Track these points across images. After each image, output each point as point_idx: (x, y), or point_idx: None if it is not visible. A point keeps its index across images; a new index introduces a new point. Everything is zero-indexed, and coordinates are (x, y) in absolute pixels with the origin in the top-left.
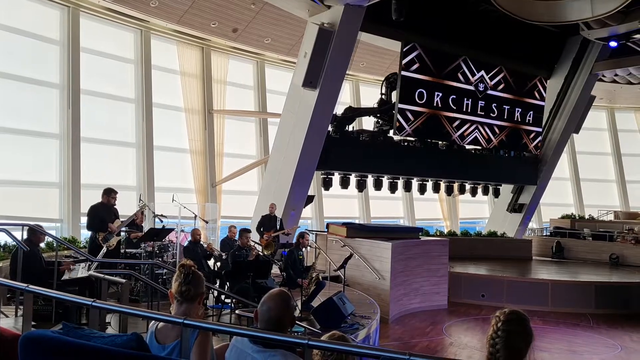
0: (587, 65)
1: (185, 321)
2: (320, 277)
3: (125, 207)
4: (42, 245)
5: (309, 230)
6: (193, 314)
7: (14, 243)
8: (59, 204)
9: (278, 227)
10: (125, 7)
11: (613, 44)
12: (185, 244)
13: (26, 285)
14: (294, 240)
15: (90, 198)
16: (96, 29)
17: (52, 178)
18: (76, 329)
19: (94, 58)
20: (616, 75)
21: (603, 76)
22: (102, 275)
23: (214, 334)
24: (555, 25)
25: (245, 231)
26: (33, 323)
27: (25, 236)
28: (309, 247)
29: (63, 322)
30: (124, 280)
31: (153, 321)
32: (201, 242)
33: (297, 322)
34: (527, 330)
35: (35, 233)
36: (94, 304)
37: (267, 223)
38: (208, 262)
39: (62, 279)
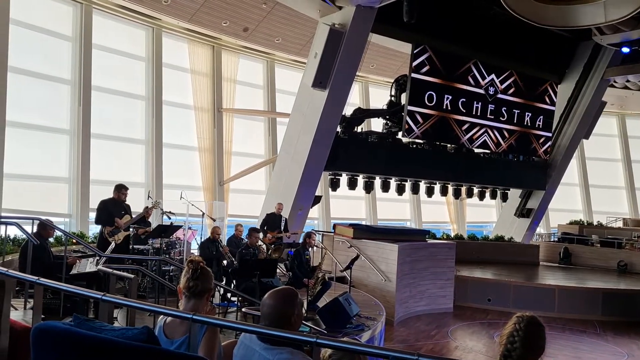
0: (599, 71)
1: (194, 317)
2: (326, 278)
3: (134, 203)
4: (51, 239)
5: (316, 231)
6: (201, 309)
7: (24, 237)
8: (68, 199)
9: (282, 227)
10: (137, 5)
11: (625, 49)
12: (202, 240)
13: (37, 278)
14: (301, 240)
15: (99, 194)
16: (108, 25)
17: (61, 173)
18: (87, 322)
19: (106, 55)
20: (628, 81)
21: (615, 82)
22: (110, 270)
23: (220, 331)
24: (568, 29)
25: (254, 230)
26: (42, 316)
27: (35, 230)
28: (315, 247)
29: (74, 314)
30: (132, 276)
31: (161, 316)
32: (218, 242)
33: (302, 321)
34: (544, 336)
35: (46, 227)
36: (104, 297)
37: (271, 222)
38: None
39: (71, 273)
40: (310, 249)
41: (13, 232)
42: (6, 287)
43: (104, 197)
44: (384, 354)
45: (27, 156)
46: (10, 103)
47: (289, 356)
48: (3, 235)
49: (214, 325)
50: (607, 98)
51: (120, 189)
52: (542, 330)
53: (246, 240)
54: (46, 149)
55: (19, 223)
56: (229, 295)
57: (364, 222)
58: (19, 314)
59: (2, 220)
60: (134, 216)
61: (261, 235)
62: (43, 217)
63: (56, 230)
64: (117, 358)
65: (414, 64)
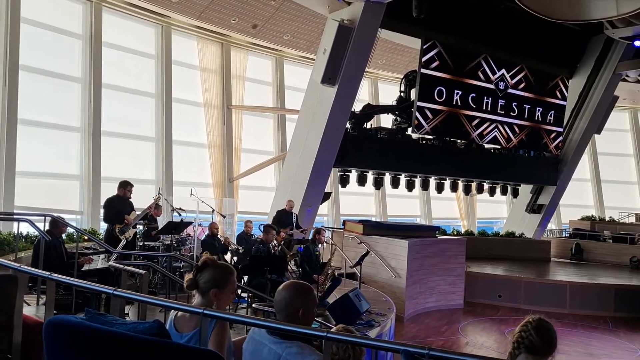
0: (611, 65)
1: (204, 311)
2: (335, 273)
3: (144, 200)
4: (63, 236)
5: (325, 227)
6: (209, 306)
7: (36, 234)
8: (80, 196)
9: (294, 224)
10: (146, 2)
11: (638, 43)
12: (203, 237)
13: (49, 273)
14: (310, 236)
15: (110, 191)
16: (118, 23)
17: (72, 170)
18: (99, 316)
19: (116, 52)
20: None
21: (627, 76)
22: (121, 266)
23: (231, 326)
24: (579, 23)
25: (271, 228)
26: (54, 312)
27: (47, 227)
28: (325, 244)
29: (86, 308)
30: (143, 272)
31: (172, 310)
32: (219, 236)
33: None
34: (554, 331)
35: (57, 224)
36: (115, 292)
37: (282, 219)
38: (225, 256)
39: (82, 269)
40: (320, 245)
41: (25, 229)
42: (19, 283)
43: (111, 195)
44: (396, 348)
45: (39, 154)
46: (21, 101)
47: (298, 350)
48: (16, 232)
49: (224, 320)
50: (619, 92)
51: (126, 185)
52: (552, 327)
53: (256, 236)
54: (57, 146)
55: (31, 220)
56: (239, 291)
57: (373, 219)
58: (32, 309)
59: (15, 217)
60: (139, 212)
61: (275, 233)
62: (55, 214)
63: (68, 227)
64: (129, 351)
65: (424, 59)
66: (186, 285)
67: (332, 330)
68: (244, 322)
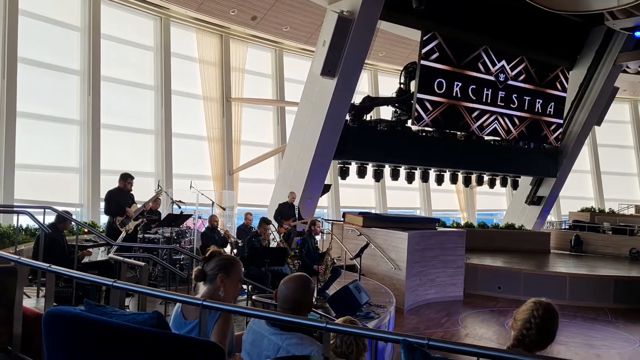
0: (611, 56)
1: (204, 302)
2: (334, 261)
3: (144, 193)
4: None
5: (325, 219)
6: (215, 294)
7: (36, 226)
8: (79, 189)
9: (297, 215)
10: None
11: (638, 34)
12: (203, 230)
13: (49, 265)
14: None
15: (110, 183)
16: (116, 15)
17: (72, 163)
18: (98, 307)
19: (114, 45)
20: None
21: (627, 67)
22: (121, 257)
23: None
24: (579, 14)
25: (265, 222)
26: (54, 304)
27: (46, 219)
28: (322, 234)
29: (85, 299)
30: (142, 264)
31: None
32: (218, 229)
33: (312, 309)
34: (557, 324)
35: (63, 220)
36: (114, 284)
37: (285, 211)
38: (225, 248)
39: (82, 262)
40: (316, 236)
41: (25, 221)
42: (19, 275)
43: (112, 187)
44: (395, 338)
45: (38, 147)
46: (20, 94)
47: (298, 341)
48: (15, 225)
49: (224, 311)
50: (620, 84)
51: (126, 178)
52: (556, 318)
53: (255, 229)
54: (57, 139)
55: (30, 212)
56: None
57: (373, 211)
58: (32, 301)
59: (14, 209)
60: (139, 206)
61: (272, 227)
62: (55, 207)
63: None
64: (128, 342)
65: (424, 51)
66: (194, 275)
67: (337, 321)
68: (243, 313)
